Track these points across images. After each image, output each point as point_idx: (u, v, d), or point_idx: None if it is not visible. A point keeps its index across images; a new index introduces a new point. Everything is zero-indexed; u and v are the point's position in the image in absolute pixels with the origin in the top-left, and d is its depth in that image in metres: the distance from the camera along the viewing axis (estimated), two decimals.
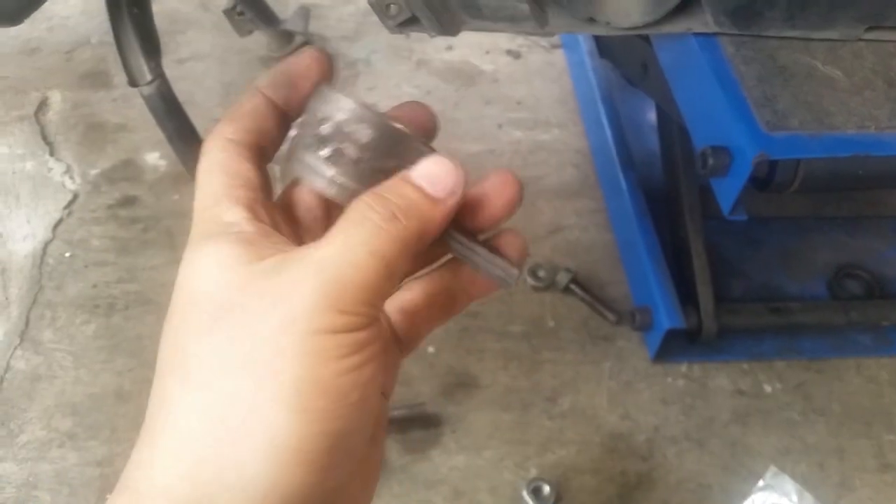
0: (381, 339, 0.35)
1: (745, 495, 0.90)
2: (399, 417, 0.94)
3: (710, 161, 0.80)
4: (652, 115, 1.27)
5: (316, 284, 0.33)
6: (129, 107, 1.36)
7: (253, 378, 0.32)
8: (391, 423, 0.95)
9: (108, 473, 0.92)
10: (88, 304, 1.08)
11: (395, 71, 1.47)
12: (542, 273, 1.13)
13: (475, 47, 1.53)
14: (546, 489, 0.91)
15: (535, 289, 1.12)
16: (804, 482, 0.92)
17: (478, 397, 1.00)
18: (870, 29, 0.88)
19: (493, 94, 1.44)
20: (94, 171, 1.27)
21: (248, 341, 0.33)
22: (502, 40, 1.53)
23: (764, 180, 0.84)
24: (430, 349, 1.05)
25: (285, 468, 0.31)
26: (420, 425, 0.96)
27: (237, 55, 1.48)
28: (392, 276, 0.34)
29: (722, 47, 0.88)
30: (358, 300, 0.33)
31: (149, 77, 0.97)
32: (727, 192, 0.82)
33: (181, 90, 1.03)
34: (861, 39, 0.89)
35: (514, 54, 1.52)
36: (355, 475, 0.36)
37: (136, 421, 0.99)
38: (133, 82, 0.98)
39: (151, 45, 0.97)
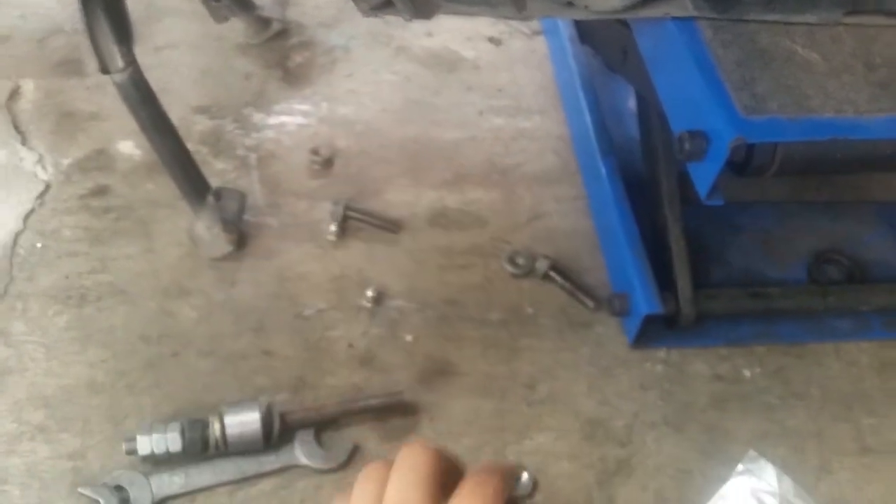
0: None
1: (725, 480, 0.90)
2: (377, 406, 0.93)
3: (687, 145, 0.80)
4: (632, 102, 1.27)
5: None
6: (102, 95, 1.33)
7: None
8: (369, 412, 0.95)
9: (81, 466, 0.90)
10: (60, 296, 1.06)
11: (375, 57, 1.45)
12: (520, 260, 1.13)
13: (456, 33, 1.51)
14: (524, 476, 0.91)
15: (514, 276, 1.12)
16: (783, 466, 0.91)
17: (456, 385, 0.99)
18: (849, 13, 0.88)
19: (474, 80, 1.42)
20: (66, 161, 1.24)
21: None
22: (483, 27, 1.51)
23: (741, 164, 0.84)
24: (408, 337, 1.04)
25: None
26: (398, 413, 0.95)
27: (214, 42, 1.46)
28: None
29: (700, 31, 0.87)
30: None
31: (121, 64, 0.95)
32: (704, 176, 0.81)
33: (157, 78, 1.01)
34: (840, 23, 0.89)
35: (496, 41, 1.50)
36: None
37: (109, 413, 0.98)
38: (104, 69, 0.96)
39: (123, 31, 0.95)
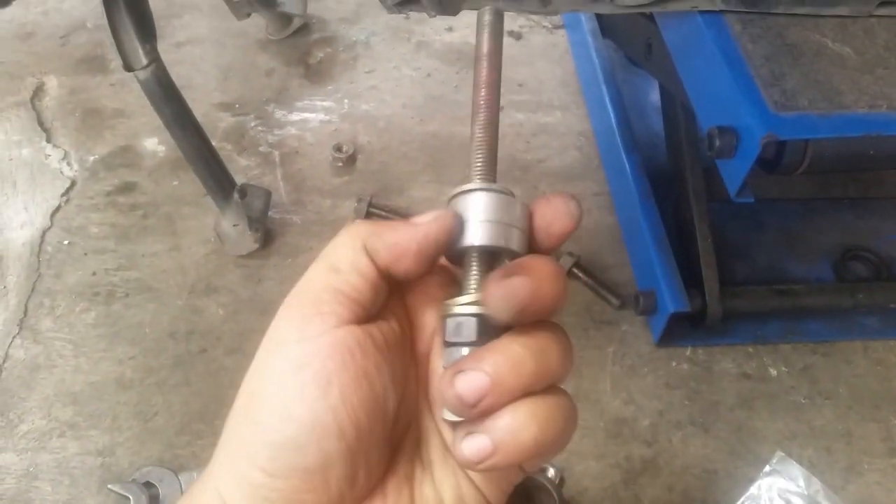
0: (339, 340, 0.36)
1: (752, 480, 0.90)
2: None
3: (717, 142, 0.79)
4: (655, 96, 1.26)
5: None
6: (127, 92, 1.34)
7: None
8: None
9: (110, 463, 0.91)
10: (88, 292, 1.07)
11: (395, 53, 1.45)
12: None
13: (476, 28, 1.50)
14: (550, 471, 0.90)
15: None
16: (811, 467, 0.91)
17: None
18: (882, 4, 0.86)
19: None
20: (92, 158, 1.25)
21: None
22: (504, 21, 1.51)
23: (772, 161, 0.83)
24: None
25: None
26: None
27: (235, 38, 1.46)
28: (337, 272, 0.38)
29: (729, 25, 0.86)
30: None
31: (144, 61, 0.95)
32: (734, 173, 0.80)
33: (178, 74, 1.01)
34: (873, 15, 0.87)
35: (516, 35, 1.50)
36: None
37: (137, 409, 0.99)
38: (128, 66, 0.96)
39: (146, 28, 0.96)
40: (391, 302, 0.40)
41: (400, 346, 0.39)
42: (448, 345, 0.37)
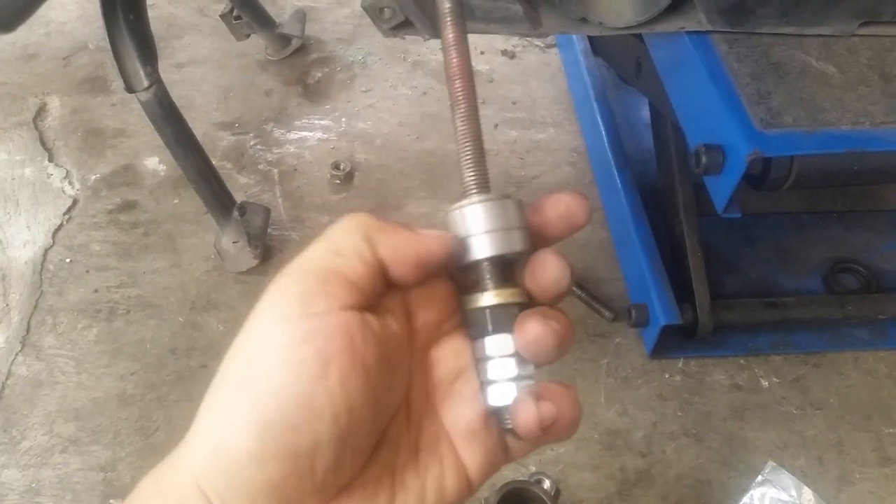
0: (342, 331, 0.36)
1: (744, 490, 0.91)
2: None
3: (704, 159, 0.81)
4: (646, 113, 1.28)
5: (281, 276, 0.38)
6: (127, 112, 1.36)
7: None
8: None
9: (112, 478, 0.92)
10: (90, 309, 1.08)
11: (391, 72, 1.47)
12: None
13: (470, 47, 1.53)
14: (547, 483, 0.91)
15: None
16: (803, 476, 0.93)
17: None
18: (864, 24, 0.88)
19: (489, 94, 1.44)
20: (93, 177, 1.27)
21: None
22: (497, 41, 1.53)
23: (758, 177, 0.85)
24: None
25: None
26: None
27: (235, 59, 1.49)
28: (340, 255, 0.38)
29: (715, 45, 0.88)
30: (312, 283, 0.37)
31: (146, 83, 0.98)
32: (721, 190, 0.82)
33: (179, 94, 1.03)
34: (855, 35, 0.89)
35: (509, 54, 1.52)
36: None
37: (138, 424, 1.00)
38: (130, 88, 0.98)
39: (148, 51, 0.98)
40: (388, 300, 0.41)
41: (396, 341, 0.40)
42: (483, 336, 0.40)
